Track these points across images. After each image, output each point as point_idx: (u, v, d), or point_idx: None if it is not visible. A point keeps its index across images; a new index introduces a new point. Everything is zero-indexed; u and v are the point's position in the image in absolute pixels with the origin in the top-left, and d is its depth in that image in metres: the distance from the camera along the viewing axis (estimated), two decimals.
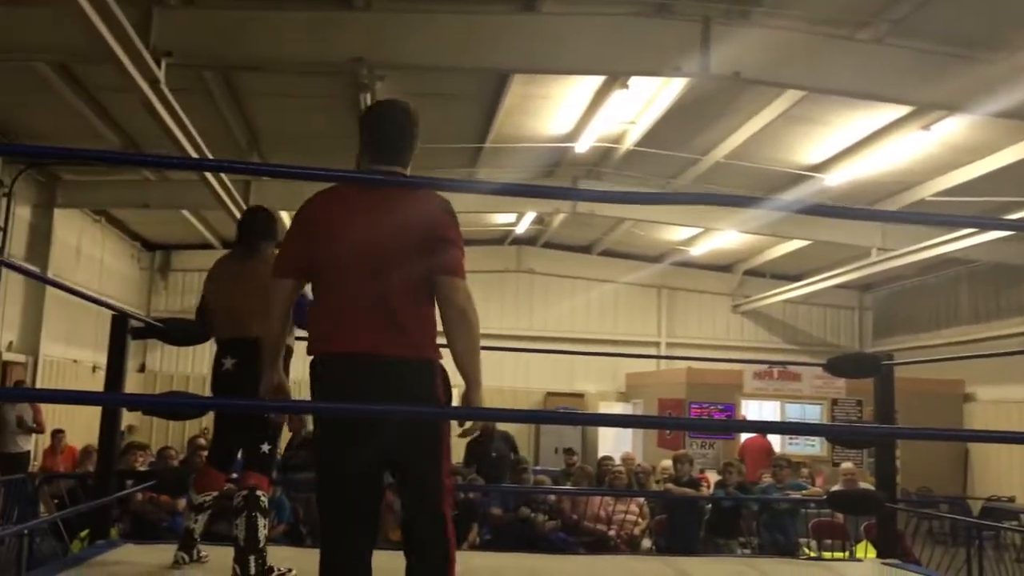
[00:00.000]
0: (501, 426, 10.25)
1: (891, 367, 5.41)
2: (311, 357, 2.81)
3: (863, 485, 7.76)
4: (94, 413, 5.96)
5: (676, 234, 16.68)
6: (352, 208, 2.77)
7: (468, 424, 2.98)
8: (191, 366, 16.98)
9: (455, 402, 3.03)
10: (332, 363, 2.75)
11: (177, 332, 5.06)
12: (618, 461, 10.53)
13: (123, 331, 4.86)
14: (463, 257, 2.78)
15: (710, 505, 8.09)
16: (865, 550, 7.08)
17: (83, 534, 5.85)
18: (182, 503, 7.10)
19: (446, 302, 2.73)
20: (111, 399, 4.89)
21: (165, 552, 4.25)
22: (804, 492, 8.44)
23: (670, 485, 8.09)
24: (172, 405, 5.20)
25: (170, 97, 7.69)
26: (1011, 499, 12.27)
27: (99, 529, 4.81)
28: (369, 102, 9.33)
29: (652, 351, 18.58)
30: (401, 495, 2.87)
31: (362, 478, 2.75)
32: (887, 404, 5.35)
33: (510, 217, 16.59)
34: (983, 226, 10.20)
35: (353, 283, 2.72)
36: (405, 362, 2.72)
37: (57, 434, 10.94)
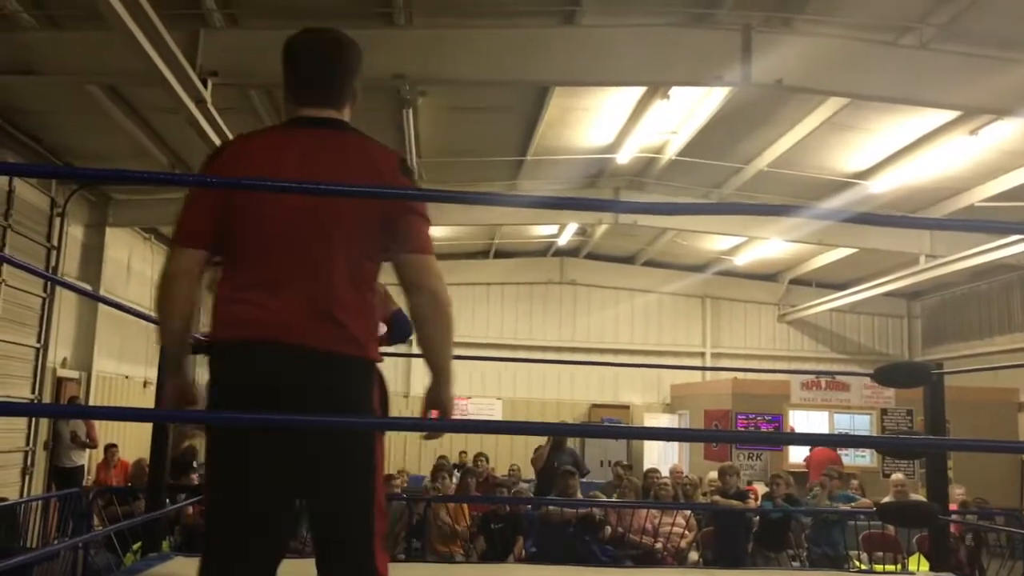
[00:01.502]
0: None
1: (941, 376, 5.32)
2: (213, 344, 2.24)
3: (914, 497, 7.66)
4: (146, 427, 6.06)
5: (719, 243, 16.58)
6: (284, 161, 2.22)
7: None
8: None
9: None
10: (248, 353, 2.16)
11: None
12: (666, 473, 10.49)
13: None
14: (429, 227, 2.29)
15: (758, 517, 8.01)
16: (918, 563, 6.96)
17: (136, 547, 5.95)
18: None
19: (416, 286, 2.23)
20: (160, 415, 4.97)
21: None
22: (853, 504, 8.32)
23: (717, 497, 8.02)
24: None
25: (216, 116, 7.83)
26: None
27: (151, 542, 4.88)
28: (411, 117, 9.44)
29: (697, 361, 18.46)
30: (316, 537, 2.25)
31: (266, 502, 2.18)
32: (938, 414, 5.25)
33: (552, 229, 16.61)
34: None
35: (282, 255, 2.19)
36: (346, 360, 2.18)
37: (110, 448, 11.14)
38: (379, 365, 2.33)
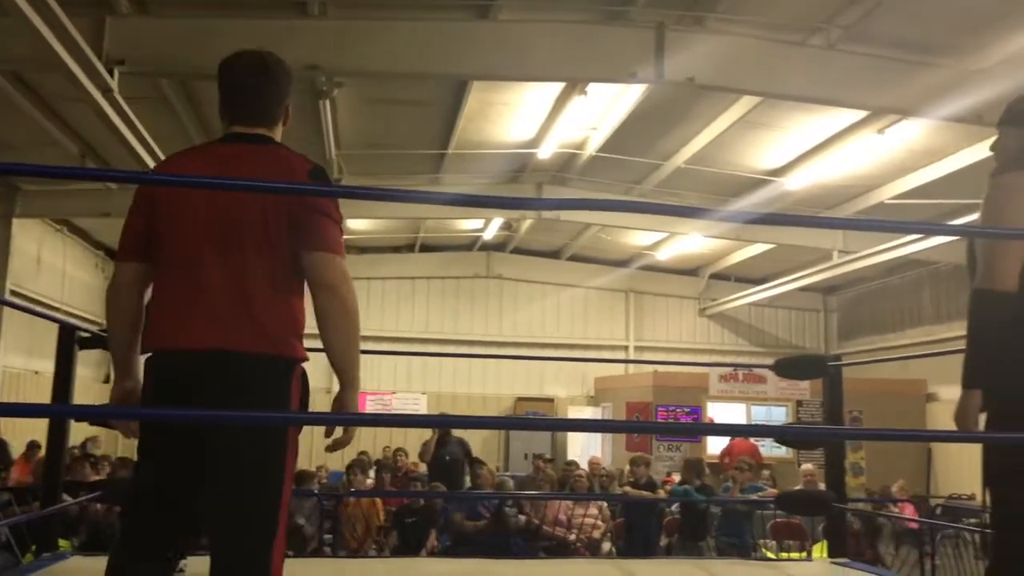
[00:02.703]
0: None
1: (839, 368, 5.47)
2: (146, 355, 2.39)
3: (822, 487, 7.85)
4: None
5: (642, 239, 16.78)
6: (198, 173, 2.37)
7: (338, 432, 2.42)
8: None
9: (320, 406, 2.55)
10: (168, 362, 2.30)
11: None
12: (586, 465, 10.61)
13: (71, 342, 4.83)
14: (340, 231, 2.36)
15: (678, 507, 8.14)
16: (822, 550, 7.15)
17: (34, 547, 5.80)
18: None
19: (318, 284, 2.29)
20: (60, 411, 4.85)
21: None
22: (760, 494, 8.51)
23: (627, 488, 8.14)
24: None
25: (124, 106, 7.65)
26: (971, 496, 12.42)
27: (45, 542, 4.75)
28: (328, 109, 9.36)
29: (620, 355, 18.65)
30: (214, 530, 2.32)
31: (169, 490, 2.30)
32: (835, 405, 5.40)
33: (478, 223, 16.62)
34: (928, 232, 10.34)
35: (198, 263, 2.29)
36: (257, 359, 2.25)
37: (33, 447, 10.77)
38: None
